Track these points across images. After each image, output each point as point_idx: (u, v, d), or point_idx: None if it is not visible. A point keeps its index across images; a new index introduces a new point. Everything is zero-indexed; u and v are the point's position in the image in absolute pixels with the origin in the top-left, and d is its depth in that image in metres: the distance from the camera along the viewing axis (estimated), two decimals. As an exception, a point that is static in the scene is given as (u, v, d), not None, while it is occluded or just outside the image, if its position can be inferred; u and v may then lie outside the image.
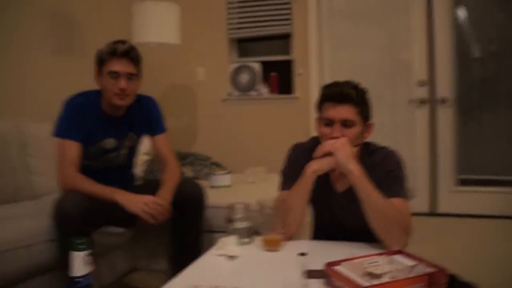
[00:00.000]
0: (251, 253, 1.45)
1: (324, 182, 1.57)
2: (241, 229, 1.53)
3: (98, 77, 1.97)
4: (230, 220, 1.55)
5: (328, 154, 1.47)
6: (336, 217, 1.63)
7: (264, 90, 3.82)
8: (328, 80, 3.58)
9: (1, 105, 2.65)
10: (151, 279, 2.36)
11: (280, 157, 3.35)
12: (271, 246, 1.46)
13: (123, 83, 1.91)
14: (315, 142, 1.61)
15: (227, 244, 1.44)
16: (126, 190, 1.92)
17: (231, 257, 1.40)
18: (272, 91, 3.85)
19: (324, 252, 1.36)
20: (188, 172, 2.93)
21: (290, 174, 1.63)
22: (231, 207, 1.56)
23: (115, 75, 1.91)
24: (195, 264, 1.37)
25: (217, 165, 3.12)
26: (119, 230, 2.16)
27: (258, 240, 1.55)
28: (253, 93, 3.83)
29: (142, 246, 2.46)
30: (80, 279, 0.66)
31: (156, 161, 3.03)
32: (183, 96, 4.00)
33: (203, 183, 2.22)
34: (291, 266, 1.27)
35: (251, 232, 1.56)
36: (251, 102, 3.84)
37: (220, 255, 1.42)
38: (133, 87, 1.97)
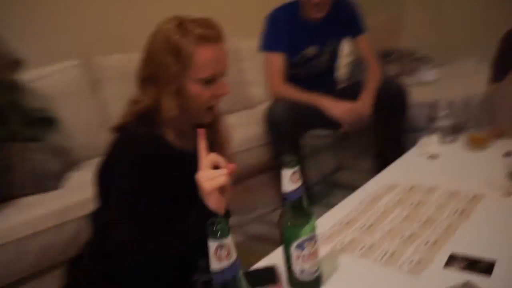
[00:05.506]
0: (453, 152, 1.42)
1: None
2: (443, 127, 1.49)
3: None
4: (432, 118, 1.51)
5: None
6: None
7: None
8: None
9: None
10: (356, 177, 2.49)
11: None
12: (477, 144, 1.40)
13: None
14: None
15: (429, 143, 1.43)
16: (330, 94, 2.02)
17: (432, 157, 1.39)
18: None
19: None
20: (393, 69, 2.86)
21: (504, 64, 1.47)
22: (433, 105, 1.52)
23: None
24: (395, 163, 1.42)
25: (425, 58, 2.94)
26: (326, 132, 2.31)
27: (462, 138, 1.49)
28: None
29: (348, 146, 2.59)
30: (289, 194, 0.75)
31: (358, 62, 3.04)
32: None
33: (408, 79, 2.16)
34: (496, 166, 1.21)
35: (455, 130, 1.50)
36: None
37: (421, 154, 1.43)
38: None
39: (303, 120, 2.00)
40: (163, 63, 0.96)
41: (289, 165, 0.75)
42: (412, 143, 2.21)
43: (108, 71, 2.18)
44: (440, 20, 3.51)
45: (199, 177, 0.86)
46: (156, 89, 0.97)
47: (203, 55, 0.95)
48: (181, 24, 0.97)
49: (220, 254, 0.57)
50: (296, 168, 0.75)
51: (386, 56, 2.90)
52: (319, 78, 2.25)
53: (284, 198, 0.77)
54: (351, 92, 2.12)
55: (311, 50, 2.13)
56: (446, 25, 3.49)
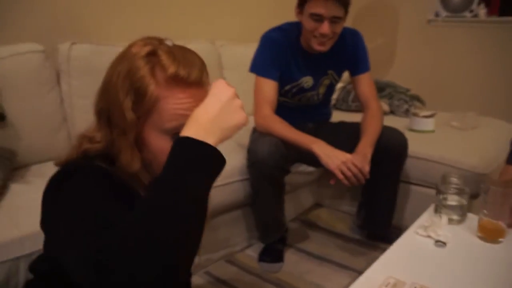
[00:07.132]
0: (462, 239, 1.23)
1: None
2: (453, 206, 1.31)
3: (299, 14, 1.80)
4: (440, 192, 1.33)
5: None
6: None
7: (481, 11, 3.20)
8: None
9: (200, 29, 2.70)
10: (334, 218, 2.31)
11: (496, 101, 2.81)
12: (491, 236, 1.22)
13: (325, 27, 1.69)
14: None
15: (435, 225, 1.24)
16: (321, 128, 1.81)
17: (439, 243, 1.21)
18: (491, 12, 3.20)
19: None
20: (384, 106, 2.67)
21: None
22: (444, 178, 1.34)
23: (318, 18, 1.69)
24: (395, 245, 1.22)
25: (418, 99, 2.76)
26: (309, 169, 2.11)
27: (471, 219, 1.32)
28: (466, 14, 3.25)
29: (329, 184, 2.39)
30: None
31: (349, 89, 2.85)
32: (381, 15, 3.61)
33: (400, 120, 1.97)
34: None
35: (464, 211, 1.33)
36: (463, 25, 3.26)
37: (425, 236, 1.24)
38: (337, 30, 1.74)
39: (288, 160, 1.78)
40: (119, 105, 0.74)
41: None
42: (404, 196, 2.05)
43: (74, 62, 1.88)
44: (434, 61, 3.38)
45: None
46: (110, 130, 0.77)
47: (172, 101, 0.74)
48: (154, 53, 0.75)
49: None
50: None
51: (379, 91, 2.71)
52: (311, 110, 2.04)
53: None
54: (344, 132, 1.93)
55: (306, 81, 1.92)
56: (441, 69, 3.36)
